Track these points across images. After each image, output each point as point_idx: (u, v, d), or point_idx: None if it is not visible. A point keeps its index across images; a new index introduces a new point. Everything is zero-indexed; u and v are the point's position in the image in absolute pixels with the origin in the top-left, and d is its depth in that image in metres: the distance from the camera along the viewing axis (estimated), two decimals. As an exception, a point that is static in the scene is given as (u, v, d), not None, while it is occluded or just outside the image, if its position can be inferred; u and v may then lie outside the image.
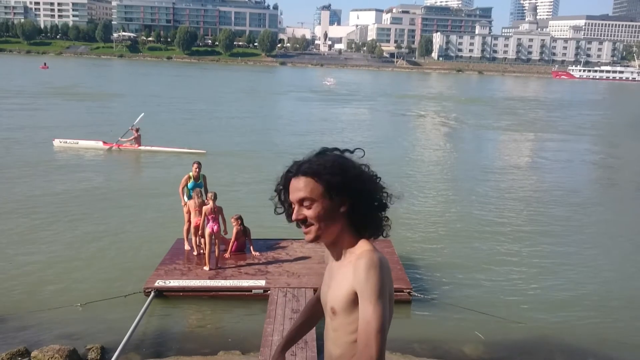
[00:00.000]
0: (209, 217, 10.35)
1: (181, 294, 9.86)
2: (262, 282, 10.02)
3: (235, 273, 10.45)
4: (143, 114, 26.19)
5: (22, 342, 8.24)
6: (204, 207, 10.44)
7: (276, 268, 10.68)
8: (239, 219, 11.25)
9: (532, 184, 21.77)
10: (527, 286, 11.19)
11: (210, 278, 10.21)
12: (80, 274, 10.98)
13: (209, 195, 10.58)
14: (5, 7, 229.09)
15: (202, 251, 11.23)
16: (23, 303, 9.56)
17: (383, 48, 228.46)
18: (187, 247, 11.42)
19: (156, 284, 9.85)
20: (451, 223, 15.51)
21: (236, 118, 39.21)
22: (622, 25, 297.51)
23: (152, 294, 9.64)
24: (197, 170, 11.51)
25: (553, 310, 10.13)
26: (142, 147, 24.10)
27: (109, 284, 10.35)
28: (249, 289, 9.89)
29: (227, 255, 11.19)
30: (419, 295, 10.02)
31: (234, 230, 11.14)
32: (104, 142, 24.85)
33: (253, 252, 11.28)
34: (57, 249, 12.26)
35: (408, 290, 9.95)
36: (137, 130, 24.17)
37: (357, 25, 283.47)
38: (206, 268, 10.48)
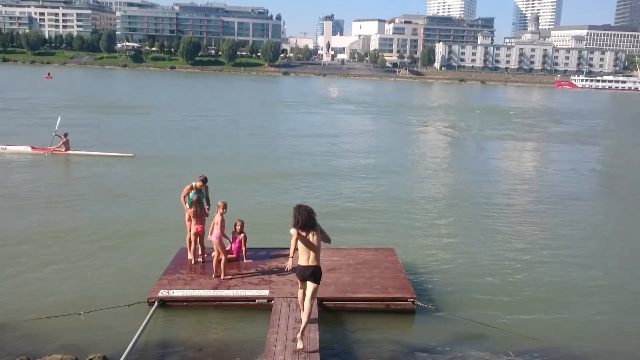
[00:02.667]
0: (220, 226, 10.38)
1: (185, 304, 9.81)
2: (265, 292, 9.97)
3: (239, 283, 10.40)
4: (60, 117, 26.60)
5: (23, 351, 8.20)
6: (216, 217, 10.44)
7: (280, 277, 10.64)
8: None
9: (537, 193, 21.66)
10: (532, 297, 11.10)
11: (213, 288, 10.16)
12: (83, 283, 10.94)
13: (220, 204, 10.60)
14: (10, 18, 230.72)
15: (199, 259, 11.34)
16: (25, 312, 9.51)
17: (385, 58, 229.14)
18: (190, 256, 11.40)
19: (160, 294, 9.81)
20: (455, 232, 15.43)
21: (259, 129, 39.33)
22: (624, 35, 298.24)
23: (156, 304, 9.60)
24: (201, 184, 11.53)
25: (558, 321, 10.04)
26: (70, 152, 24.82)
27: (112, 293, 10.31)
28: (252, 299, 9.85)
29: (233, 254, 11.39)
30: (423, 304, 9.96)
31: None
32: (33, 148, 25.27)
33: (245, 260, 11.37)
34: (59, 258, 12.22)
35: (412, 300, 9.90)
36: (65, 135, 24.93)
37: (359, 35, 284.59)
38: (221, 277, 10.50)
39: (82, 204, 17.01)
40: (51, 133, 25.30)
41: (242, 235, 11.48)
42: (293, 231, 7.88)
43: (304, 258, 7.92)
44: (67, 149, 24.84)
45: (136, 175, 21.34)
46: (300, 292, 8.30)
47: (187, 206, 11.42)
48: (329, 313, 9.68)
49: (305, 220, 7.81)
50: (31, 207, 16.38)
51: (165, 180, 20.32)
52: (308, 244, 7.86)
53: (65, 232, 14.06)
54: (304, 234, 7.86)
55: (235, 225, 11.49)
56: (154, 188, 19.22)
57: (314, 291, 8.02)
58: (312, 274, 7.89)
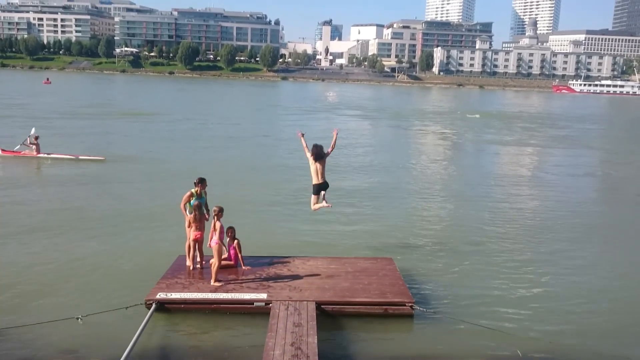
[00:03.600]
0: (219, 232, 10.37)
1: (182, 306, 9.80)
2: (263, 295, 9.97)
3: (237, 286, 10.40)
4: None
5: (21, 357, 8.18)
6: (216, 224, 10.42)
7: (278, 282, 10.64)
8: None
9: (537, 198, 21.68)
10: (530, 300, 11.11)
11: (212, 291, 10.16)
12: (81, 287, 10.93)
13: (215, 209, 10.55)
14: (9, 23, 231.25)
15: (198, 266, 11.32)
16: (22, 317, 9.49)
17: (384, 63, 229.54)
18: (188, 262, 11.35)
19: (158, 296, 9.80)
20: (453, 237, 15.41)
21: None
22: (622, 39, 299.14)
23: (154, 306, 9.59)
24: (200, 188, 11.44)
25: (558, 324, 10.04)
26: (40, 155, 25.03)
27: (110, 296, 10.31)
28: (250, 302, 9.84)
29: (231, 261, 11.40)
30: (421, 309, 9.96)
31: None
32: (3, 150, 25.45)
33: (243, 267, 11.34)
34: (57, 262, 12.20)
35: (410, 304, 9.90)
36: (36, 138, 25.21)
37: (358, 40, 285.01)
38: (217, 283, 10.45)
39: (77, 207, 16.99)
40: (24, 144, 25.34)
41: (235, 241, 11.41)
42: (310, 160, 11.71)
43: (316, 178, 11.72)
44: (38, 152, 25.06)
45: (128, 180, 21.28)
46: (314, 199, 11.84)
47: (187, 213, 11.36)
48: (328, 317, 9.68)
49: (318, 153, 11.63)
50: (26, 210, 16.37)
51: (160, 184, 20.32)
52: (318, 168, 11.68)
53: (61, 236, 14.06)
54: (316, 161, 11.66)
55: (227, 233, 11.35)
56: (148, 192, 19.20)
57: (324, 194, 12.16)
58: (323, 187, 11.85)
